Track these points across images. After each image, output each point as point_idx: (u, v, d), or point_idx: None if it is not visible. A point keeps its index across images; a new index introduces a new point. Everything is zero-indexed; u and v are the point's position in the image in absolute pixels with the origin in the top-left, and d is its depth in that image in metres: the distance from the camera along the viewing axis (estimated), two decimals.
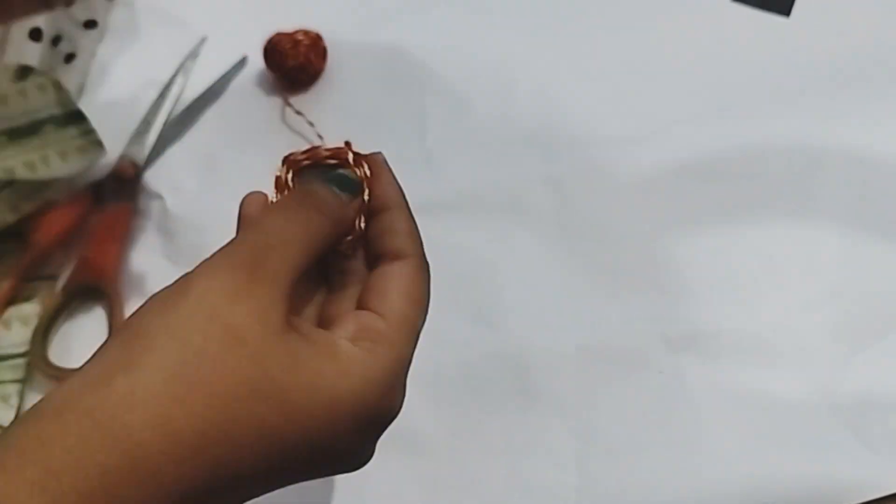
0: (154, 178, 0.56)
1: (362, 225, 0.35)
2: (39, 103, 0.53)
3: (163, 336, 0.28)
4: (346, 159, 0.36)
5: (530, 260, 0.50)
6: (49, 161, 0.51)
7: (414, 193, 0.54)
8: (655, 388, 0.46)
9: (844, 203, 0.50)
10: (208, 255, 0.31)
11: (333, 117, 0.56)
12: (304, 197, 0.34)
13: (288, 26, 0.57)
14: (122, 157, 0.55)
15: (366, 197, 0.35)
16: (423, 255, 0.35)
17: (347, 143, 0.36)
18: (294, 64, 0.56)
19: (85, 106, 0.55)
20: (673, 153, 0.52)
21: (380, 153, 0.36)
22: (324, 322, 0.34)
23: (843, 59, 0.54)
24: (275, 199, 0.36)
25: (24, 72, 0.53)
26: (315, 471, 0.32)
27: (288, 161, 0.36)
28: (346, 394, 0.30)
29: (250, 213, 0.35)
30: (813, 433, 0.45)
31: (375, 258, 0.35)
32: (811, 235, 0.49)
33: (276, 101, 0.57)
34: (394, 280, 0.33)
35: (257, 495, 0.30)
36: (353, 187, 0.35)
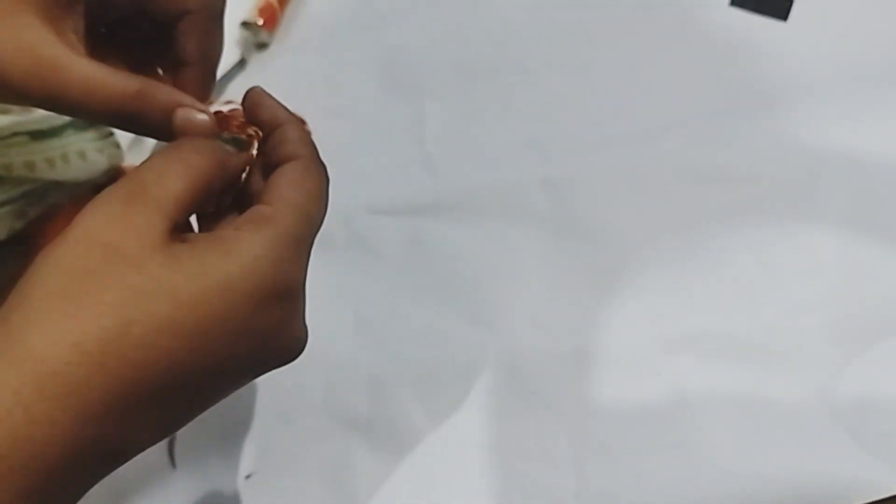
0: None
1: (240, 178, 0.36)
2: None
3: (50, 266, 0.30)
4: (236, 126, 0.37)
5: (527, 261, 0.51)
6: (69, 160, 0.52)
7: (412, 195, 0.54)
8: (653, 391, 0.46)
9: (842, 206, 0.50)
10: None
11: (332, 119, 0.56)
12: (184, 141, 0.35)
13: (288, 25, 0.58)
14: (123, 160, 0.56)
15: (254, 152, 0.36)
16: (316, 156, 0.36)
17: (232, 111, 0.37)
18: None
19: None
20: (670, 156, 0.52)
21: (255, 87, 0.37)
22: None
23: (841, 63, 0.54)
24: None
25: None
26: (240, 360, 0.32)
27: None
28: (235, 273, 0.31)
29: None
30: (811, 436, 0.45)
31: (272, 169, 0.35)
32: (809, 238, 0.49)
33: None
34: (283, 175, 0.34)
35: (198, 403, 0.32)
36: (239, 144, 0.36)
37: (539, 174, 0.53)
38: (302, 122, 0.37)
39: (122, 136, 0.56)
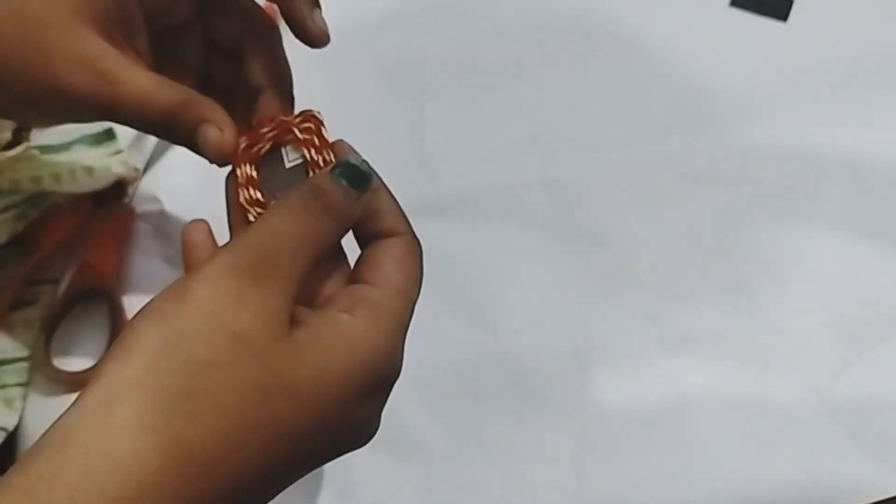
0: (153, 182, 0.56)
1: None
2: (75, 126, 0.54)
3: (163, 352, 0.28)
4: (309, 140, 0.35)
5: (528, 262, 0.51)
6: (76, 175, 0.52)
7: (412, 196, 0.54)
8: (653, 391, 0.47)
9: (842, 207, 0.50)
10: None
11: (332, 120, 0.56)
12: (313, 196, 0.32)
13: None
14: (130, 176, 0.56)
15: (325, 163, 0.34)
16: (413, 233, 0.34)
17: (312, 118, 0.36)
18: None
19: None
20: (671, 157, 0.52)
21: (341, 140, 0.35)
22: (314, 300, 0.34)
23: (841, 64, 0.54)
24: (240, 196, 0.35)
25: None
26: (333, 452, 0.32)
27: (245, 155, 0.35)
28: (355, 368, 0.30)
29: (195, 240, 0.34)
30: (811, 436, 0.45)
31: (366, 239, 0.34)
32: (809, 239, 0.49)
33: None
34: (386, 253, 0.33)
35: (283, 489, 0.30)
36: (363, 180, 0.33)
37: (539, 175, 0.53)
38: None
39: (122, 137, 0.56)
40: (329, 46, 0.59)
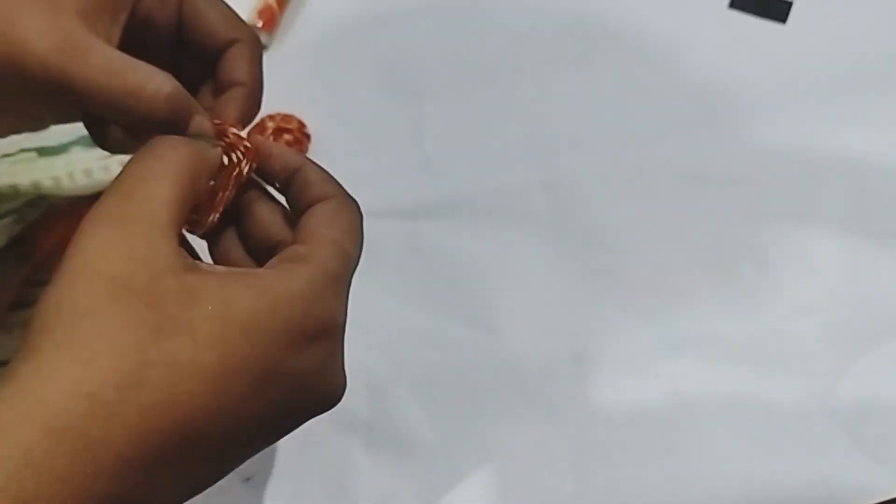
0: None
1: (230, 194, 0.34)
2: (72, 126, 0.54)
3: (52, 309, 0.28)
4: (228, 141, 0.35)
5: (527, 264, 0.50)
6: (74, 177, 0.52)
7: (411, 198, 0.54)
8: (652, 394, 0.47)
9: (841, 209, 0.50)
10: None
11: (331, 121, 0.56)
12: (156, 141, 0.32)
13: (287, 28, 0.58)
14: (121, 164, 0.56)
15: (244, 168, 0.34)
16: (345, 193, 0.34)
17: (223, 127, 0.35)
18: None
19: None
20: (670, 158, 0.52)
21: (257, 138, 0.35)
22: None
23: (840, 66, 0.54)
24: None
25: None
26: (270, 407, 0.30)
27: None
28: (262, 312, 0.29)
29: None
30: (810, 438, 0.45)
31: (299, 213, 0.34)
32: (808, 241, 0.49)
33: None
34: (314, 215, 0.33)
35: (227, 455, 0.30)
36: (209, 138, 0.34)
37: (539, 177, 0.53)
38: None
39: None
40: (328, 47, 0.59)
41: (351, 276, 0.32)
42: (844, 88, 0.53)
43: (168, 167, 0.31)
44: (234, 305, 0.29)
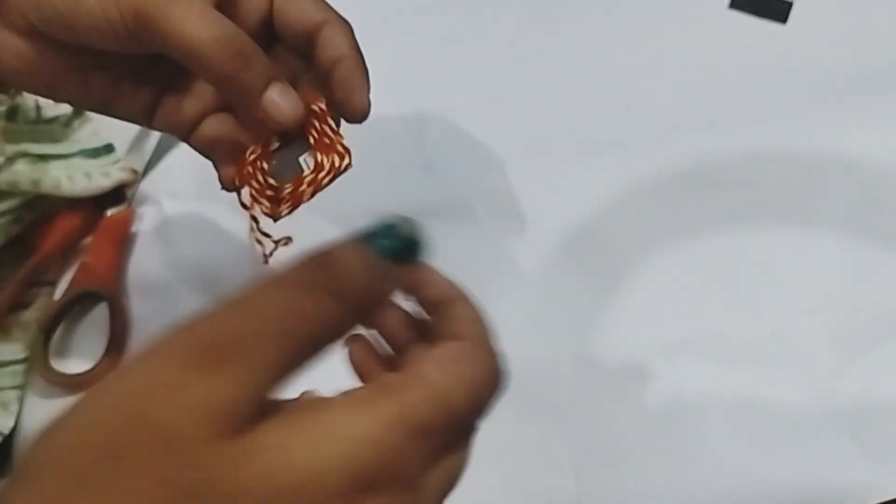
0: (153, 184, 0.56)
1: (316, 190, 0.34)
2: (79, 137, 0.55)
3: (75, 438, 0.22)
4: (320, 133, 0.33)
5: (528, 265, 0.50)
6: (74, 179, 0.53)
7: (413, 199, 0.54)
8: (653, 395, 0.46)
9: (842, 209, 0.50)
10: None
11: None
12: (316, 267, 0.25)
13: None
14: (122, 164, 0.56)
15: (340, 168, 0.33)
16: (487, 341, 0.29)
17: (322, 111, 0.34)
18: None
19: (85, 113, 0.55)
20: (670, 160, 0.52)
21: (424, 266, 0.30)
22: None
23: (840, 66, 0.54)
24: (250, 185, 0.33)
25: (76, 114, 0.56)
26: None
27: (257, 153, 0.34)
28: (327, 464, 0.23)
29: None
30: (811, 439, 0.45)
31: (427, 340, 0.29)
32: (809, 242, 0.49)
33: None
34: (432, 351, 0.27)
35: None
36: (406, 249, 0.27)
37: (539, 178, 0.53)
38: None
39: (121, 141, 0.56)
40: None
41: (455, 437, 0.27)
42: (844, 88, 0.53)
43: (308, 331, 0.24)
44: (296, 460, 0.23)
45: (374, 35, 0.59)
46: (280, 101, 0.34)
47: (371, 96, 0.58)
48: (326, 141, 0.34)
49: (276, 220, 0.34)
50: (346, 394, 0.25)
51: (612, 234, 0.51)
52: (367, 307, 0.26)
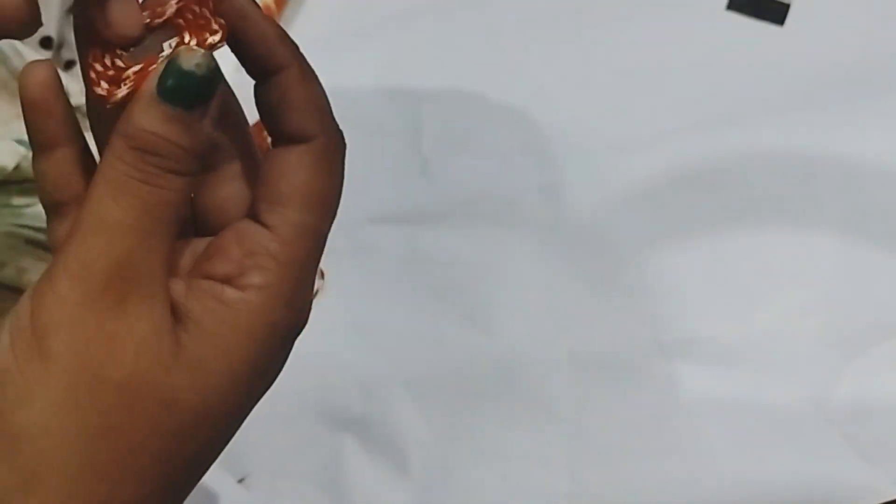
0: None
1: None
2: None
3: (53, 431, 0.23)
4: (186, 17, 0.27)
5: (524, 266, 0.50)
6: None
7: (409, 201, 0.54)
8: (648, 395, 0.46)
9: (838, 211, 0.50)
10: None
11: None
12: (133, 150, 0.24)
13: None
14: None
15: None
16: (332, 129, 0.28)
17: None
18: None
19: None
20: (667, 161, 0.52)
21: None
22: (205, 219, 0.28)
23: (838, 68, 0.54)
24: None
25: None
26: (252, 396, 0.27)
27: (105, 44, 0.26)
28: (252, 355, 0.25)
29: (35, 96, 0.27)
30: (806, 440, 0.45)
31: (270, 133, 0.28)
32: (805, 243, 0.49)
33: None
34: (290, 175, 0.26)
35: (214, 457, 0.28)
36: (201, 87, 0.25)
37: (536, 180, 0.53)
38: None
39: None
40: (326, 50, 0.59)
41: (321, 252, 0.28)
42: (842, 90, 0.53)
43: (156, 217, 0.25)
44: (231, 362, 0.25)
45: (373, 35, 0.60)
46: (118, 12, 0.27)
47: (367, 95, 0.58)
48: (201, 22, 0.28)
49: (110, 102, 0.27)
50: (235, 282, 0.25)
51: (608, 234, 0.51)
52: (200, 154, 0.25)
